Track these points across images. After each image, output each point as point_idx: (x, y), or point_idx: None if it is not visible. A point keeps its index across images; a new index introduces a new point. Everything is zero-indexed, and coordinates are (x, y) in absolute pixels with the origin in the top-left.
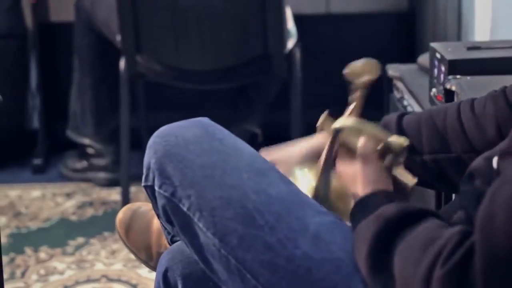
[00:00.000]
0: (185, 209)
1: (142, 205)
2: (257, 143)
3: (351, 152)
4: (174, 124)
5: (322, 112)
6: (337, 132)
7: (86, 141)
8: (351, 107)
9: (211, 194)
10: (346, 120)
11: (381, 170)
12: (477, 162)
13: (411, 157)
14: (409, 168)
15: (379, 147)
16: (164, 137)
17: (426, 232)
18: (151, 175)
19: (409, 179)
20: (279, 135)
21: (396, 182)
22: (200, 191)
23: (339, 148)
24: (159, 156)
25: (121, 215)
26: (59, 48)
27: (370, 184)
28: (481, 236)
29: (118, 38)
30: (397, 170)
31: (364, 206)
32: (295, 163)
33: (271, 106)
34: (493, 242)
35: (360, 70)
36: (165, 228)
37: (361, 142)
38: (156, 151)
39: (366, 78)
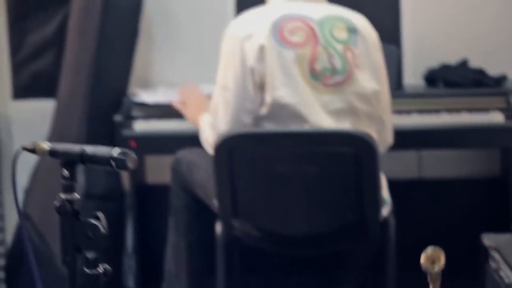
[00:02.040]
0: None
1: None
2: None
3: None
4: None
5: (415, 277)
6: None
7: None
8: None
9: None
10: None
11: None
12: None
13: None
14: None
15: None
16: None
17: None
18: None
19: None
20: None
21: None
22: None
23: None
24: None
25: None
26: (155, 209)
27: None
28: None
29: (215, 202)
30: None
31: None
32: None
33: (364, 270)
34: None
35: (432, 259)
36: None
37: None
38: None
39: (437, 267)
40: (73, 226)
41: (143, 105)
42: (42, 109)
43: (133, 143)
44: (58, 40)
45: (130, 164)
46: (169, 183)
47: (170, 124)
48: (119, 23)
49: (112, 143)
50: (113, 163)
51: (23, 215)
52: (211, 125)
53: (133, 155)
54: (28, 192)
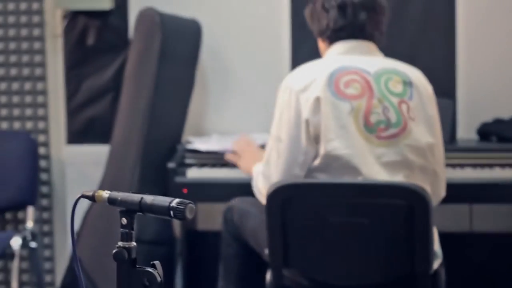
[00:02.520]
0: None
1: None
2: None
3: None
4: None
5: None
6: None
7: None
8: None
9: None
10: None
11: None
12: None
13: None
14: None
15: None
16: None
17: None
18: None
19: None
20: None
21: None
22: None
23: None
24: None
25: None
26: (204, 256)
27: None
28: None
29: (266, 251)
30: None
31: None
32: None
33: None
34: None
35: None
36: None
37: None
38: None
39: None
40: (130, 273)
41: (196, 153)
42: (96, 154)
43: (185, 190)
44: (114, 87)
45: (189, 215)
46: (220, 230)
47: (223, 172)
48: (175, 71)
49: (164, 190)
50: (171, 213)
51: (77, 258)
52: (264, 175)
53: (191, 205)
54: (78, 235)
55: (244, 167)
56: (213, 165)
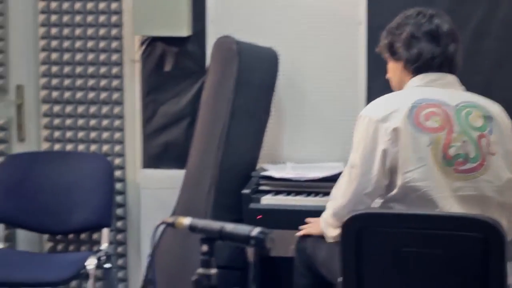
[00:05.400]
0: None
1: None
2: None
3: None
4: None
5: None
6: None
7: None
8: None
9: None
10: None
11: None
12: None
13: None
14: None
15: None
16: None
17: None
18: None
19: None
20: None
21: None
22: None
23: None
24: None
25: None
26: (277, 282)
27: None
28: None
29: (339, 279)
30: None
31: None
32: None
33: None
34: None
35: None
36: None
37: None
38: None
39: None
40: None
41: (271, 180)
42: (170, 178)
43: (259, 217)
44: (190, 112)
45: (269, 244)
46: (292, 256)
47: (296, 200)
48: (252, 98)
49: (238, 216)
50: (252, 242)
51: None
52: (332, 197)
53: (271, 235)
54: (155, 256)
55: (316, 228)
56: (288, 192)
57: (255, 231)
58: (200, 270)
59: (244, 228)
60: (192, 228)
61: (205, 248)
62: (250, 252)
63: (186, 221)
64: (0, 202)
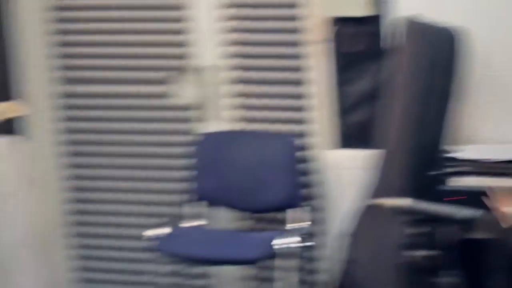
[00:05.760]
0: None
1: None
2: None
3: None
4: None
5: None
6: None
7: None
8: None
9: None
10: None
11: None
12: None
13: None
14: None
15: None
16: None
17: None
18: None
19: None
20: None
21: None
22: None
23: None
24: None
25: None
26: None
27: None
28: None
29: None
30: None
31: None
32: None
33: None
34: None
35: None
36: None
37: None
38: None
39: None
40: (415, 283)
41: (458, 161)
42: (359, 159)
43: (446, 200)
44: (375, 94)
45: (481, 226)
46: (493, 238)
47: (485, 181)
48: (442, 80)
49: (430, 198)
50: (464, 223)
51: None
52: None
53: (483, 216)
54: (354, 236)
55: None
56: (486, 173)
57: (469, 212)
58: (408, 252)
59: (459, 210)
60: (406, 211)
61: (417, 230)
62: (454, 233)
63: (402, 202)
64: (203, 180)
